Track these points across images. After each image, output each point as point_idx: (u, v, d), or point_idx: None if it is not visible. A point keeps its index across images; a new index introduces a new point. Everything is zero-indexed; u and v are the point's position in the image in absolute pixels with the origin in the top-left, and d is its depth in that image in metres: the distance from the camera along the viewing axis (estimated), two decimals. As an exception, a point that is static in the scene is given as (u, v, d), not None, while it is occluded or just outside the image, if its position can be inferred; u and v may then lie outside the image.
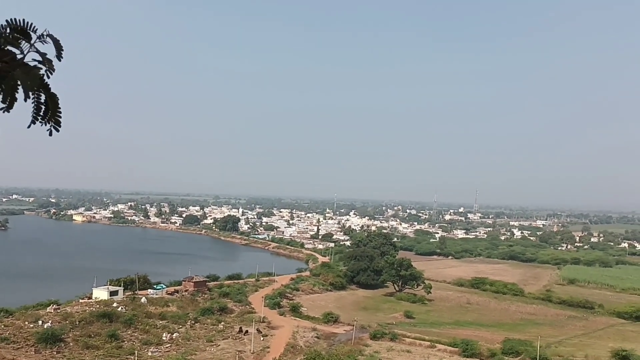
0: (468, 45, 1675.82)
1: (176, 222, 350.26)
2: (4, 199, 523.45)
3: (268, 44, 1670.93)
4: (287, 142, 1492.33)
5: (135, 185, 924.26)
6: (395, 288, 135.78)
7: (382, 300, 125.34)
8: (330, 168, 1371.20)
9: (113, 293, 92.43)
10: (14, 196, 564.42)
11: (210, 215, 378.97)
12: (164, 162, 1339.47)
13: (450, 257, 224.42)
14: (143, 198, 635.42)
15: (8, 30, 4.08)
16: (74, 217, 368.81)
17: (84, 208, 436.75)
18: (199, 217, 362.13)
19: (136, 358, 64.72)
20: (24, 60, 4.25)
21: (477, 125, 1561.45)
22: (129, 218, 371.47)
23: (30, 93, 4.48)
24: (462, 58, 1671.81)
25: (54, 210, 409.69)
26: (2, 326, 70.40)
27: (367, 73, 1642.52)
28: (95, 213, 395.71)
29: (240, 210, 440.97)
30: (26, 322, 72.59)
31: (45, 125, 4.81)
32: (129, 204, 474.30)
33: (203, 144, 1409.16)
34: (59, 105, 4.81)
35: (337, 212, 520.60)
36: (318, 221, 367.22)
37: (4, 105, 4.46)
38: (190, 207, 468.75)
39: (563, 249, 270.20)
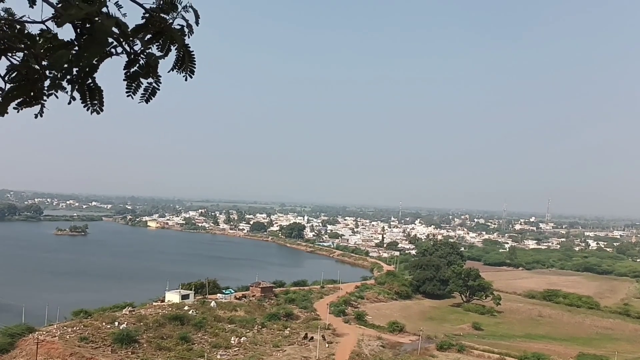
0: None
1: (244, 229, 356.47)
2: (84, 206, 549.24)
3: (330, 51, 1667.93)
4: (352, 151, 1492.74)
5: (206, 193, 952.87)
6: (462, 299, 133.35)
7: (448, 310, 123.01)
8: (395, 177, 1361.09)
9: (184, 297, 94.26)
10: (93, 203, 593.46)
11: (277, 223, 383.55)
12: (233, 171, 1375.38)
13: (520, 268, 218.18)
14: (212, 205, 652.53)
15: (162, 3, 5.49)
16: (148, 223, 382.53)
17: (157, 215, 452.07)
18: (265, 224, 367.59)
19: (206, 360, 65.55)
20: (172, 25, 5.59)
21: (549, 129, 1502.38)
22: (200, 224, 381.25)
23: (174, 48, 5.75)
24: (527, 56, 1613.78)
25: (129, 216, 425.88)
26: (82, 326, 73.06)
27: (427, 71, 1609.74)
28: (168, 219, 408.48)
29: (306, 217, 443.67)
30: (104, 323, 75.13)
31: (181, 73, 5.92)
32: (200, 211, 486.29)
33: (267, 157, 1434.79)
34: (194, 59, 5.93)
35: (402, 221, 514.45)
36: (383, 229, 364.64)
37: (161, 54, 5.70)
38: (257, 215, 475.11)
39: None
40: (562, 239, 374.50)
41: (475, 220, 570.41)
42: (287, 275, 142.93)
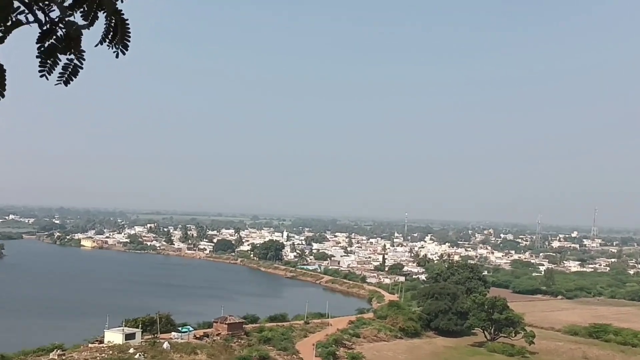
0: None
1: (206, 249, 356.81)
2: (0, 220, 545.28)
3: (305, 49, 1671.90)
4: (344, 150, 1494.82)
5: (156, 203, 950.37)
6: (485, 336, 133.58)
7: (468, 351, 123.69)
8: (400, 182, 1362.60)
9: (129, 336, 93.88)
10: (11, 217, 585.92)
11: (248, 240, 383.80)
12: (190, 175, 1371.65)
13: (559, 297, 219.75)
14: (165, 219, 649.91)
15: None
16: (83, 242, 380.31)
17: (94, 231, 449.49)
18: (233, 242, 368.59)
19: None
20: None
21: (597, 125, 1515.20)
22: (148, 243, 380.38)
23: (105, 15, 5.64)
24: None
25: (58, 233, 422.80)
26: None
27: (441, 74, 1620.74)
28: (107, 237, 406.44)
29: (285, 234, 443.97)
30: (25, 371, 74.25)
31: (112, 47, 5.81)
32: (148, 226, 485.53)
33: (236, 158, 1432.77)
34: (129, 31, 5.84)
35: (409, 237, 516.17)
36: (384, 248, 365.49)
37: (85, 23, 5.61)
38: (223, 230, 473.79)
39: None
40: (613, 260, 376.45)
41: (502, 236, 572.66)
42: (261, 308, 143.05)
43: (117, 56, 5.87)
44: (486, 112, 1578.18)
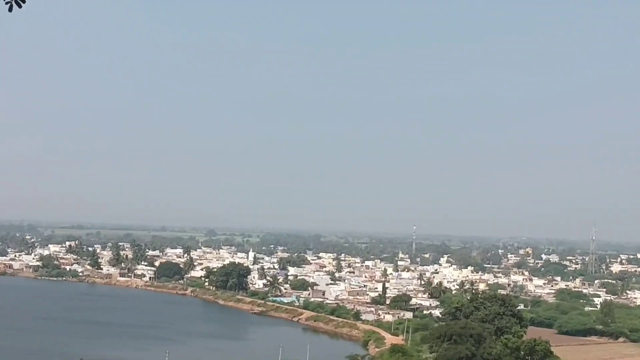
0: None
1: (145, 275, 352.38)
2: None
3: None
4: (329, 146, 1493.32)
5: (78, 213, 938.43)
6: None
7: None
8: (405, 186, 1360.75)
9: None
10: None
11: (201, 264, 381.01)
12: (123, 176, 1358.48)
13: (621, 340, 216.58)
14: (90, 235, 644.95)
15: None
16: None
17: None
18: (181, 266, 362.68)
19: None
20: None
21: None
22: (68, 267, 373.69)
23: None
24: None
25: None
26: None
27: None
28: (12, 259, 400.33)
29: (252, 254, 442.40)
30: None
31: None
32: (68, 244, 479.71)
33: (188, 152, 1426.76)
34: None
35: (418, 259, 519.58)
36: (384, 274, 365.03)
37: None
38: (168, 250, 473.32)
39: None
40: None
41: (544, 257, 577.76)
42: (219, 355, 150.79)
43: (9, 9, 5.42)
44: (530, 95, 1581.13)
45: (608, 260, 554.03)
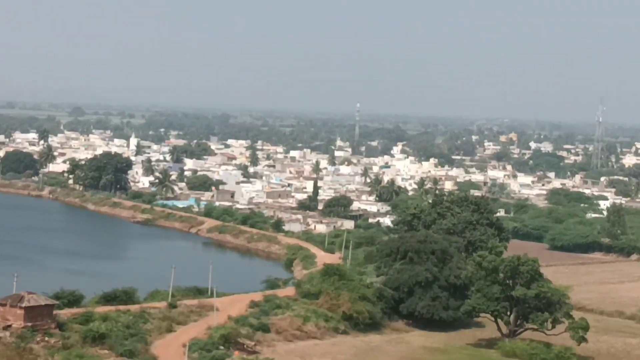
0: None
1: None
2: None
3: None
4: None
5: None
6: (500, 329, 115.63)
7: (467, 356, 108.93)
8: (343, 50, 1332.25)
9: None
10: None
11: (64, 154, 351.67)
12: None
13: (634, 256, 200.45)
14: None
15: None
16: None
17: None
18: (36, 157, 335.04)
19: None
20: None
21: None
22: None
23: None
24: None
25: None
26: None
27: None
28: None
29: (134, 141, 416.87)
30: None
31: None
32: None
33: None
34: None
35: (362, 148, 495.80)
36: (316, 168, 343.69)
37: None
38: (17, 135, 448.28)
39: None
40: None
41: (533, 145, 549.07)
42: (89, 280, 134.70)
43: None
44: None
45: (619, 150, 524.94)
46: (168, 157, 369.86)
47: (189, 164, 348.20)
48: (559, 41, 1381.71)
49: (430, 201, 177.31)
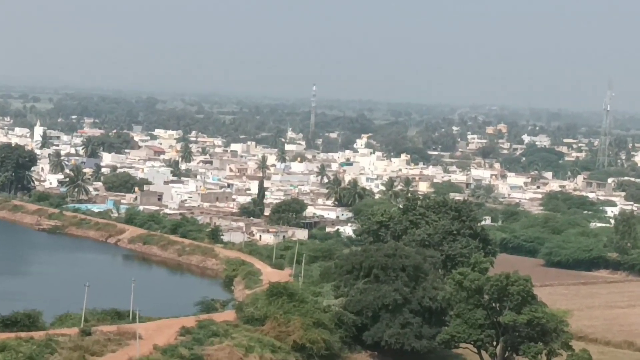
0: None
1: None
2: None
3: None
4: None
5: None
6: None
7: None
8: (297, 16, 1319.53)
9: None
10: None
11: None
12: None
13: None
14: None
15: None
16: None
17: None
18: None
19: None
20: None
21: None
22: None
23: None
24: None
25: None
26: None
27: None
28: None
29: (39, 130, 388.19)
30: None
31: None
32: None
33: None
34: None
35: (319, 140, 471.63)
36: (263, 165, 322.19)
37: None
38: None
39: None
40: None
41: (526, 139, 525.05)
42: None
43: None
44: None
45: (630, 145, 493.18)
46: (81, 151, 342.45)
47: (107, 158, 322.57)
48: (559, 10, 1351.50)
49: (401, 206, 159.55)
